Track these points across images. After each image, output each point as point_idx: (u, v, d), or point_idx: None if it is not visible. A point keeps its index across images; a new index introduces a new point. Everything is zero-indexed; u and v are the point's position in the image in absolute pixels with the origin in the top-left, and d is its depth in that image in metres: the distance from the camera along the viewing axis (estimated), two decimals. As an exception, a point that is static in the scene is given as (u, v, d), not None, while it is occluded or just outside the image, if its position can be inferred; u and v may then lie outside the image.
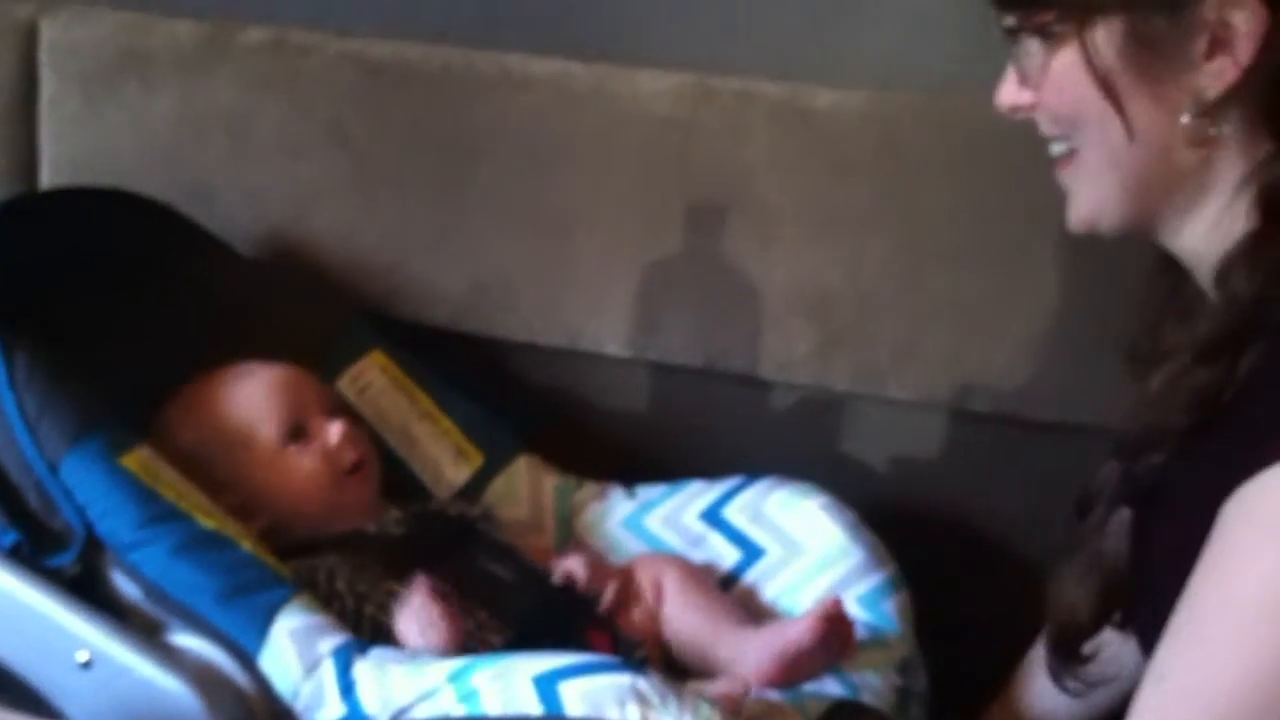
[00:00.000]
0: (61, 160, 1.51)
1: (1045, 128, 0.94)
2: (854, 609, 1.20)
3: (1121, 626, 0.97)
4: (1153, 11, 0.85)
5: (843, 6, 1.33)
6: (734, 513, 1.28)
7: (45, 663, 1.08)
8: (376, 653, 1.05)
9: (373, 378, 1.36)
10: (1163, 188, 0.89)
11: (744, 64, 1.35)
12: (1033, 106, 0.93)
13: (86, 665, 1.07)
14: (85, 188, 1.42)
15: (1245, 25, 0.84)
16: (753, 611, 1.24)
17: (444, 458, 1.34)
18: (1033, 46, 0.91)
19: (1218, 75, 0.85)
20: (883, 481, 1.39)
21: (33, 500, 1.11)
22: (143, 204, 1.36)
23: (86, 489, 1.10)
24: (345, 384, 1.34)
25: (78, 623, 1.07)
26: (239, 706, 1.06)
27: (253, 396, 1.24)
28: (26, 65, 1.50)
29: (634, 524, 1.31)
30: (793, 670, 1.13)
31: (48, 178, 1.52)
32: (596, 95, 1.37)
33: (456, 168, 1.42)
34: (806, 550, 1.25)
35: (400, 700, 1.01)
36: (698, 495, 1.30)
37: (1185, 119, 0.86)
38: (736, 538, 1.28)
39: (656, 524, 1.31)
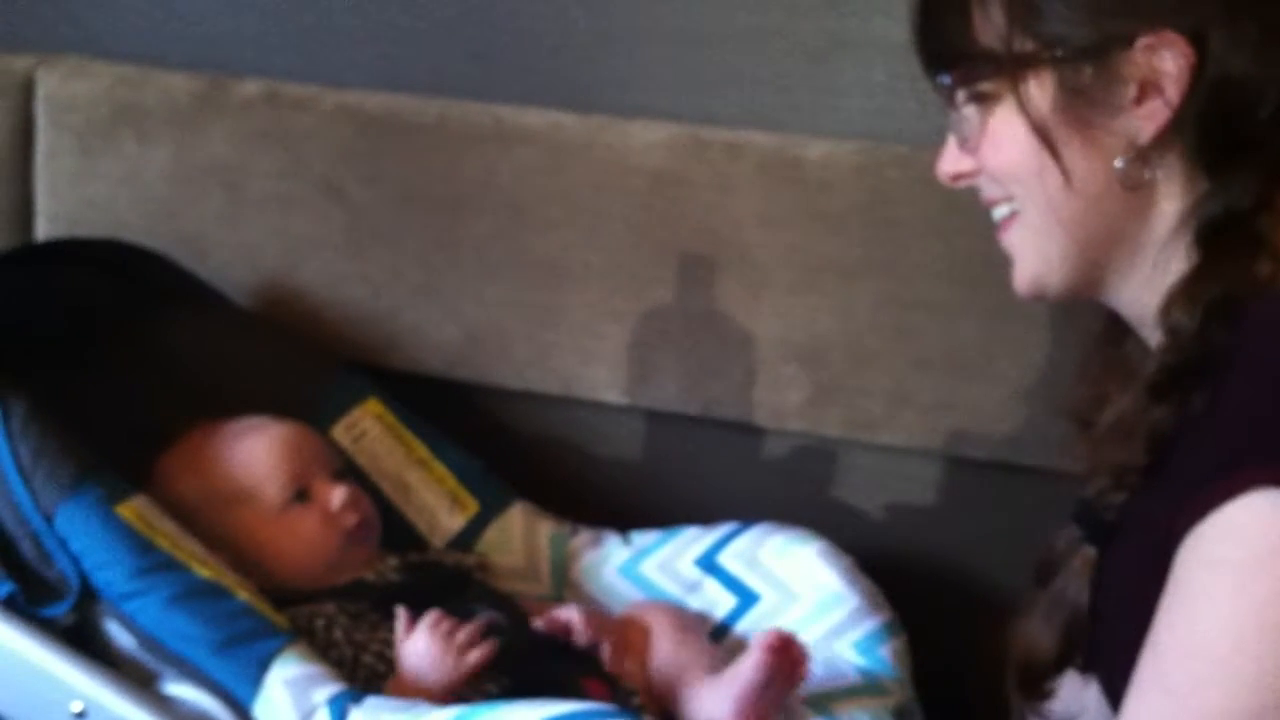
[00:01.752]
0: (57, 213, 1.51)
1: (987, 191, 0.95)
2: (850, 655, 1.20)
3: (1083, 669, 0.97)
4: (1081, 61, 0.86)
5: (832, 58, 1.34)
6: (729, 559, 1.28)
7: (39, 714, 1.08)
8: (372, 701, 1.05)
9: (368, 426, 1.36)
10: (1104, 238, 0.90)
11: (734, 116, 1.37)
12: (974, 172, 0.94)
13: (80, 716, 1.06)
14: (81, 239, 1.43)
15: (1173, 67, 0.84)
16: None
17: (439, 506, 1.34)
18: (969, 111, 0.92)
19: (1149, 118, 0.86)
20: (876, 528, 1.39)
21: (27, 551, 1.11)
22: (138, 254, 1.37)
23: (81, 539, 1.10)
24: (340, 432, 1.34)
25: (72, 673, 1.07)
26: (233, 756, 1.05)
27: (258, 455, 1.23)
28: (23, 118, 1.51)
29: (630, 571, 1.31)
30: (755, 709, 1.11)
31: (43, 230, 1.52)
32: (589, 146, 1.38)
33: (449, 218, 1.43)
34: (802, 596, 1.25)
35: (396, 749, 1.01)
36: (693, 542, 1.30)
37: (1119, 163, 0.87)
38: (732, 584, 1.28)
39: (652, 570, 1.31)
